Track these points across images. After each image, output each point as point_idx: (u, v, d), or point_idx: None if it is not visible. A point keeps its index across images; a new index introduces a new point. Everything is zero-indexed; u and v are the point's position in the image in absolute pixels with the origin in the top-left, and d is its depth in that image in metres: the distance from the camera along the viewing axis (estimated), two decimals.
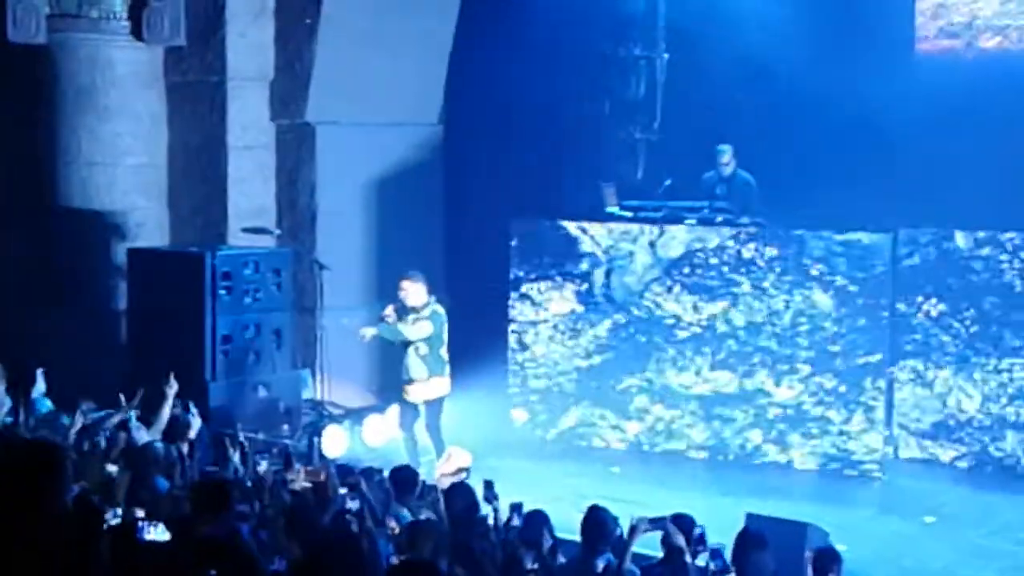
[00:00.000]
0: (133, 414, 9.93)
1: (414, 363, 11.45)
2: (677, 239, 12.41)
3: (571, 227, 12.74)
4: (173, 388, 10.02)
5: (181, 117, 13.86)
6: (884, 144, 12.41)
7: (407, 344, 11.44)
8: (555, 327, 12.91)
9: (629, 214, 12.73)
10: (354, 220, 14.10)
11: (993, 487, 11.34)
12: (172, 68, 13.81)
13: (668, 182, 12.63)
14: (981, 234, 11.73)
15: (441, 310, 11.53)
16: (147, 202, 13.74)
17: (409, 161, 14.46)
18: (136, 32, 13.40)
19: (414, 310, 11.43)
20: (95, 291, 13.29)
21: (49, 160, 13.47)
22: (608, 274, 12.66)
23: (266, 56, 13.81)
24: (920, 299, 11.91)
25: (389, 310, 11.52)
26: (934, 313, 11.87)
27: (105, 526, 5.91)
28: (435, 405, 11.56)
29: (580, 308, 12.78)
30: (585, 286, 12.73)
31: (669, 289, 12.44)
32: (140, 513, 7.41)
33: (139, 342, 12.52)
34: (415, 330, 11.39)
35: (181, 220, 13.96)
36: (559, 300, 12.86)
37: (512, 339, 13.04)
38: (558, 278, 12.82)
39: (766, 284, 12.12)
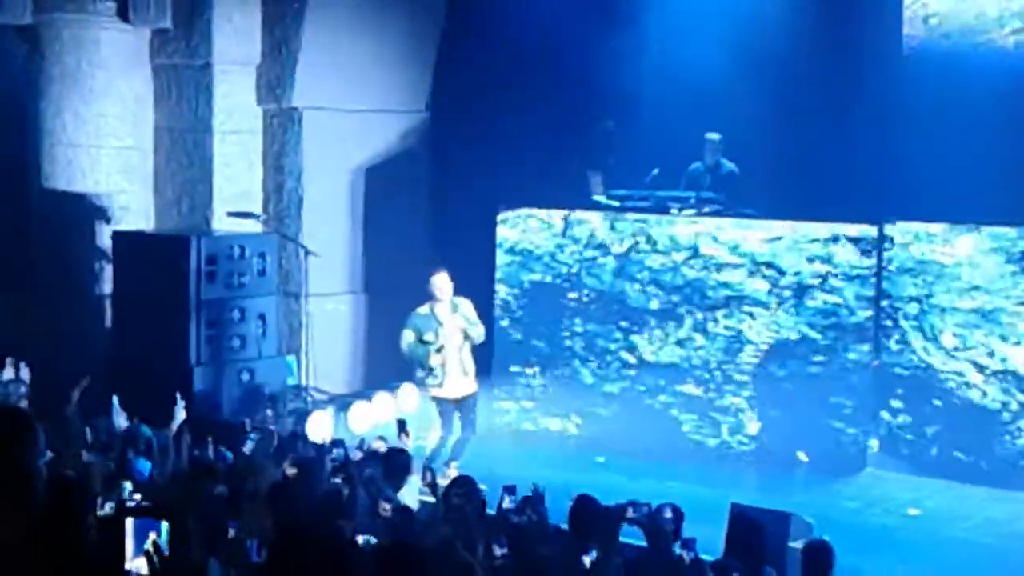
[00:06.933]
0: (116, 399, 9.90)
1: (466, 357, 11.13)
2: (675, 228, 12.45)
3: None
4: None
5: (167, 100, 13.79)
6: (875, 134, 12.40)
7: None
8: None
9: (616, 203, 12.73)
10: (340, 206, 14.05)
11: (977, 481, 11.34)
12: (158, 51, 13.74)
13: (655, 171, 12.61)
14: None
15: None
16: (132, 185, 13.65)
17: (396, 148, 14.42)
18: (122, 14, 13.31)
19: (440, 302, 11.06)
20: (79, 274, 13.21)
21: (33, 141, 13.39)
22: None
23: (253, 40, 13.74)
24: (905, 291, 11.88)
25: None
26: (920, 305, 11.83)
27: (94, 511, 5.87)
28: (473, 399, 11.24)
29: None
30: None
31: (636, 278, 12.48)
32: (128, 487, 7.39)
33: (123, 326, 12.47)
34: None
35: (166, 204, 13.90)
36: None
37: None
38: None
39: (758, 280, 12.14)
